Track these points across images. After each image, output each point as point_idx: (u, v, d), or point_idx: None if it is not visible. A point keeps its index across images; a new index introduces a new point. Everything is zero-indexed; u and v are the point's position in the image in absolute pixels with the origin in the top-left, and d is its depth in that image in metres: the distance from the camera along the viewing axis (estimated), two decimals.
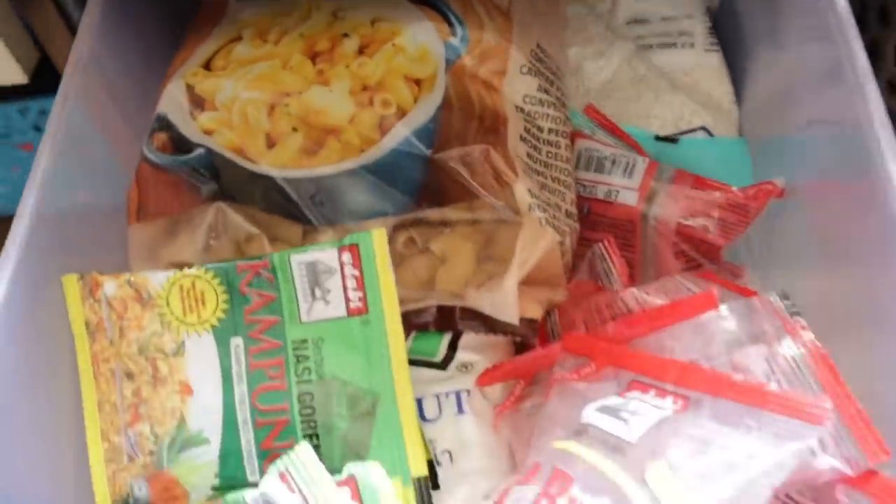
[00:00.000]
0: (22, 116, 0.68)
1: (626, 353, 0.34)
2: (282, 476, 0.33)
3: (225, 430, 0.36)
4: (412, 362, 0.38)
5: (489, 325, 0.40)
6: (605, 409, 0.32)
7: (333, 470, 0.34)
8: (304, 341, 0.36)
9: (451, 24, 0.43)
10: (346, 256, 0.36)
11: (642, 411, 0.31)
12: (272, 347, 0.36)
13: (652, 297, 0.35)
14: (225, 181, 0.42)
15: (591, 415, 0.32)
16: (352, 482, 0.33)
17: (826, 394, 0.32)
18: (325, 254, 0.36)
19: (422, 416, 0.38)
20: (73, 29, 0.54)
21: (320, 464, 0.33)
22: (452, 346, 0.40)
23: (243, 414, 0.36)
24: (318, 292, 0.36)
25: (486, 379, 0.39)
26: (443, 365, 0.40)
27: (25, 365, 0.36)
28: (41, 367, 0.37)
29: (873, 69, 0.36)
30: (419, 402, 0.39)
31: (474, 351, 0.40)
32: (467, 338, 0.40)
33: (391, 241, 0.39)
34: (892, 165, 0.33)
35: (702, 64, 0.50)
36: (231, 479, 0.36)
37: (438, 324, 0.41)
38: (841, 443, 0.31)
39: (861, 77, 0.36)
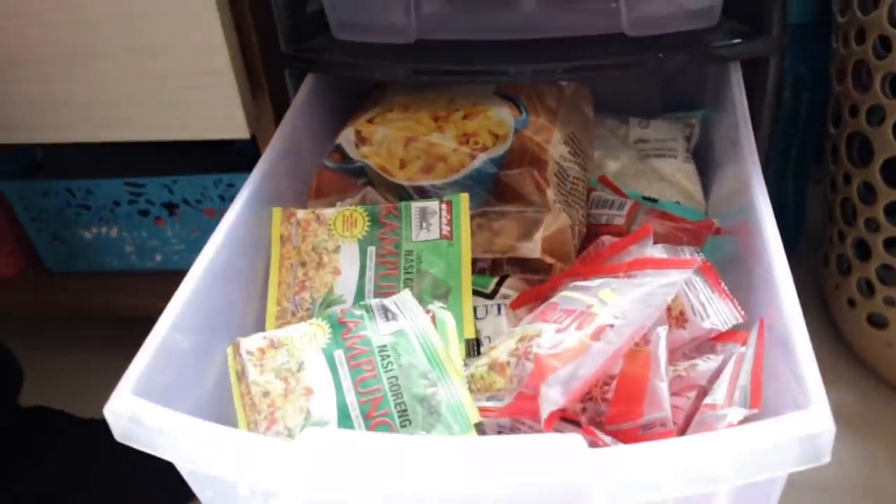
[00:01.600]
0: (214, 187, 0.97)
1: (601, 266, 0.58)
2: (392, 303, 0.57)
3: (356, 295, 0.60)
4: (472, 292, 0.62)
5: (524, 268, 0.64)
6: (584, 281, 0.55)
7: None
8: (411, 252, 0.61)
9: (520, 111, 0.70)
10: (444, 206, 0.62)
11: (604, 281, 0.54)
12: (392, 253, 0.61)
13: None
14: (372, 182, 0.69)
15: (575, 284, 0.55)
16: (431, 313, 0.56)
17: (714, 290, 0.55)
18: (431, 204, 0.62)
19: (475, 316, 0.61)
20: (277, 116, 0.84)
21: (414, 300, 0.57)
22: (499, 284, 0.64)
23: (368, 287, 0.60)
24: (423, 224, 0.62)
25: (517, 303, 0.63)
26: (491, 296, 0.64)
27: (248, 256, 0.62)
28: (255, 258, 0.63)
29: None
30: (474, 308, 0.62)
31: (512, 289, 0.64)
32: (509, 280, 0.64)
33: (471, 223, 0.65)
34: (766, 224, 0.56)
35: (682, 169, 0.76)
36: None
37: (491, 270, 0.65)
38: (717, 314, 0.54)
39: (755, 189, 0.59)
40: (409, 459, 0.41)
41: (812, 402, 0.42)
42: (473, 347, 0.58)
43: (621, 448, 0.40)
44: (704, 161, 0.80)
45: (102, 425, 0.47)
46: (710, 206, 0.76)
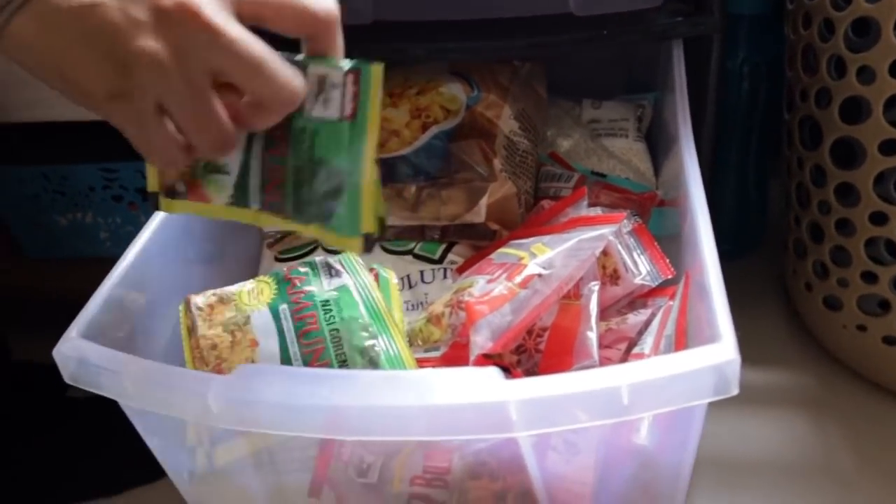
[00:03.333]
0: None
1: (540, 228, 0.60)
2: (336, 261, 0.58)
3: (241, 171, 0.50)
4: (422, 257, 0.64)
5: (471, 235, 0.66)
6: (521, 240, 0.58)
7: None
8: (304, 130, 0.48)
9: (472, 88, 0.73)
10: (349, 77, 0.46)
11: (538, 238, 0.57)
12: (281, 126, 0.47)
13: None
14: None
15: (512, 242, 0.57)
16: (375, 271, 0.58)
17: (646, 249, 0.57)
18: (333, 71, 0.47)
19: (422, 280, 0.63)
20: None
21: (359, 260, 0.58)
22: (446, 251, 0.66)
23: (254, 167, 0.50)
24: (320, 99, 0.47)
25: (462, 267, 0.65)
26: (439, 261, 0.66)
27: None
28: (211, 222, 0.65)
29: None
30: (421, 273, 0.64)
31: (460, 256, 0.66)
32: (458, 248, 0.66)
33: (418, 195, 0.67)
34: (693, 188, 0.58)
35: (632, 148, 0.79)
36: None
37: (440, 238, 0.67)
38: (648, 271, 0.56)
39: (686, 159, 0.62)
40: (343, 388, 0.43)
41: (721, 338, 0.44)
42: (369, 241, 0.48)
43: (536, 378, 0.42)
44: (657, 141, 0.82)
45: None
46: (660, 183, 0.78)
